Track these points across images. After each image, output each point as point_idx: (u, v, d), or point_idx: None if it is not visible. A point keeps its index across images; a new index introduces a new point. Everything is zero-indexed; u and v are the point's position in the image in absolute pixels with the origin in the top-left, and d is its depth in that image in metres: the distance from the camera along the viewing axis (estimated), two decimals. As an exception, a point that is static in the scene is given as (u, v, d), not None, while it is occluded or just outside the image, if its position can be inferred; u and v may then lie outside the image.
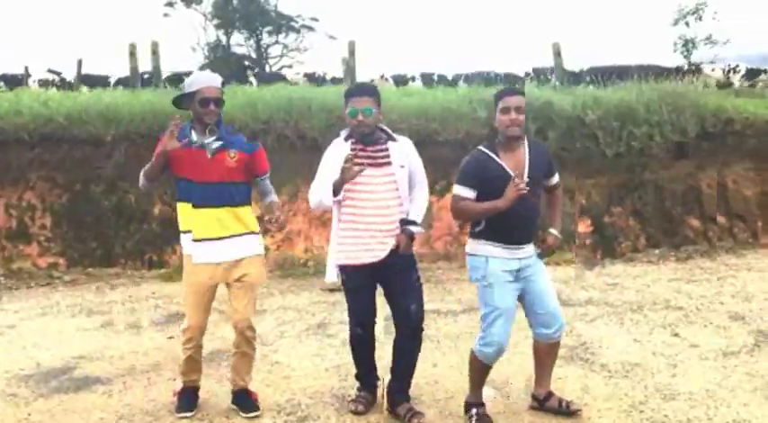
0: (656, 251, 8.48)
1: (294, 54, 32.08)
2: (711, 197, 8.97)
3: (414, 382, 4.00)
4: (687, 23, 22.03)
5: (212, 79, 3.82)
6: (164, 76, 11.35)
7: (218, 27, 31.03)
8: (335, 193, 3.72)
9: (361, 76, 11.65)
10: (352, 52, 10.98)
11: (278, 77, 16.62)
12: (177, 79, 11.13)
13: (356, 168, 3.62)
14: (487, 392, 4.19)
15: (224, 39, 31.14)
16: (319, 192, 3.79)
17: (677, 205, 8.87)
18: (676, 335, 5.34)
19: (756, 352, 4.91)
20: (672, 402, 4.06)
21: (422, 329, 3.90)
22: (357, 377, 4.16)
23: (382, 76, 18.24)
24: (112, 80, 15.69)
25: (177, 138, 3.63)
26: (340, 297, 6.53)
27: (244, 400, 4.01)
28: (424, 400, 4.13)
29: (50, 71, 16.78)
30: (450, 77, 18.60)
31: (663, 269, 7.79)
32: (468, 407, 3.86)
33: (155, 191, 7.93)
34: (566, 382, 4.38)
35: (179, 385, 4.12)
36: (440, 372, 4.50)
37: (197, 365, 4.01)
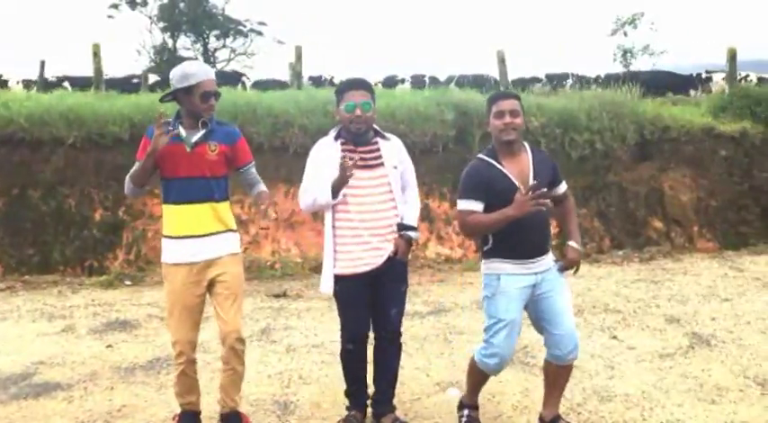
0: (620, 252, 8.62)
1: (242, 58, 31.98)
2: (674, 199, 9.14)
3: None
4: (625, 33, 22.59)
5: (210, 71, 3.55)
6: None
7: (164, 30, 30.65)
8: (334, 194, 3.54)
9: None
10: (299, 57, 11.18)
11: (276, 82, 16.75)
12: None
13: (350, 170, 3.44)
14: (453, 393, 4.21)
15: (170, 42, 30.74)
16: (312, 191, 3.60)
17: (640, 207, 9.03)
18: (614, 337, 5.39)
19: (690, 353, 5.01)
20: (608, 404, 4.12)
21: (400, 334, 3.82)
22: (346, 394, 3.89)
23: (375, 84, 18.59)
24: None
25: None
26: (285, 303, 6.56)
27: None
28: (390, 401, 4.10)
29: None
30: (441, 79, 18.70)
31: (627, 270, 7.91)
32: (461, 406, 3.81)
33: (96, 196, 7.89)
34: (506, 385, 4.40)
35: (178, 409, 3.75)
36: (406, 373, 4.49)
37: (193, 384, 3.63)
